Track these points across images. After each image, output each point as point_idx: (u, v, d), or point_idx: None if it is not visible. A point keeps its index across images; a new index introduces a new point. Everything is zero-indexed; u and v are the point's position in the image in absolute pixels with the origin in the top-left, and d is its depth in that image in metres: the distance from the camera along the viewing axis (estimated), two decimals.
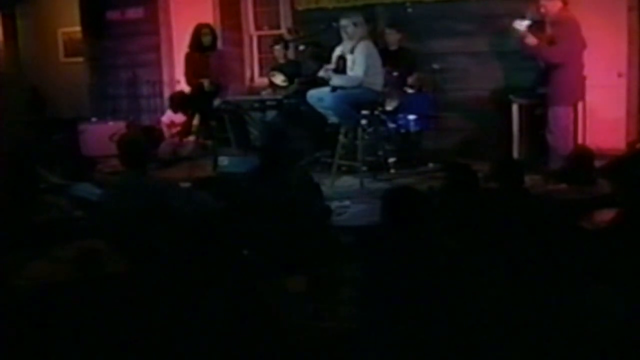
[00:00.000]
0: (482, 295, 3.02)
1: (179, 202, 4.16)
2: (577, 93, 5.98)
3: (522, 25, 5.80)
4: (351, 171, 6.31)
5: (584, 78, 6.02)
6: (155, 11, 8.97)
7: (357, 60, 6.11)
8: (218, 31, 7.94)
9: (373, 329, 2.87)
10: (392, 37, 7.05)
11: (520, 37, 5.84)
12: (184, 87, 8.01)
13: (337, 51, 6.29)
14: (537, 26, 5.94)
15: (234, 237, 3.83)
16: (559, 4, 5.79)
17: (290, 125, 6.79)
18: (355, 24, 6.15)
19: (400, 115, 6.69)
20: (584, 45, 5.91)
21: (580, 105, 6.15)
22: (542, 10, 5.88)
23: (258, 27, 8.74)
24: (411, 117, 6.72)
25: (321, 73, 6.28)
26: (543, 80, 6.01)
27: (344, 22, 6.18)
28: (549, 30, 5.88)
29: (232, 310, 3.01)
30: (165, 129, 8.02)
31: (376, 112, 6.32)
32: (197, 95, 7.37)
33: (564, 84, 5.81)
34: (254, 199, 4.36)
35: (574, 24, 5.82)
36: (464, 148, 7.10)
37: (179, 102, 7.75)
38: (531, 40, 5.78)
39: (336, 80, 6.12)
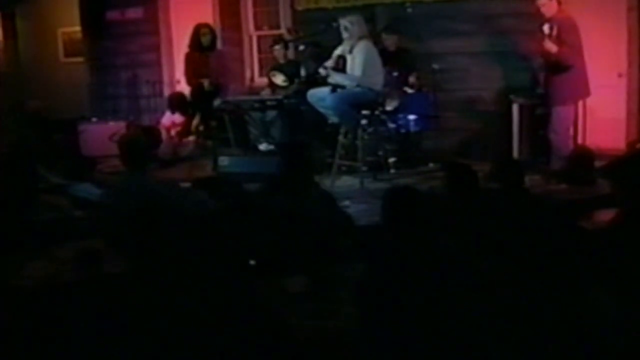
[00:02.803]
0: (481, 295, 3.02)
1: (179, 202, 4.16)
2: (581, 91, 5.98)
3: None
4: (351, 171, 6.31)
5: (586, 74, 6.02)
6: (155, 11, 8.97)
7: (356, 60, 6.12)
8: (218, 31, 7.94)
9: (373, 329, 2.87)
10: (390, 41, 7.05)
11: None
12: (184, 87, 8.02)
13: (338, 50, 6.30)
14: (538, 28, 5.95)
15: (239, 241, 3.83)
16: (555, 5, 5.79)
17: (290, 125, 6.79)
18: (353, 24, 6.16)
19: (400, 115, 6.69)
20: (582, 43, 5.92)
21: (580, 105, 6.15)
22: (543, 9, 5.88)
23: (258, 27, 8.73)
24: (411, 117, 6.72)
25: (320, 70, 6.29)
26: (544, 81, 6.01)
27: (342, 21, 6.19)
28: (552, 31, 5.85)
29: (231, 310, 3.01)
30: (164, 132, 7.99)
31: (376, 112, 6.32)
32: (197, 95, 7.38)
33: (569, 83, 5.80)
34: (270, 207, 4.35)
35: (572, 23, 5.83)
36: (464, 148, 7.10)
37: (177, 102, 7.75)
38: (552, 46, 5.72)
39: (335, 77, 6.13)
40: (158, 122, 8.37)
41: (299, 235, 4.02)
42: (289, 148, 5.71)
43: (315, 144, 6.54)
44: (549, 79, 5.94)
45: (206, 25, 7.57)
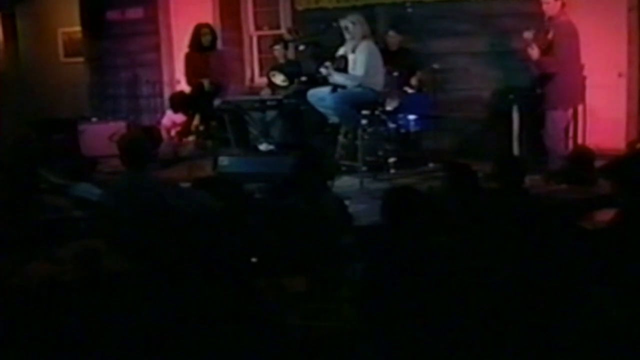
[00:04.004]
0: (481, 295, 3.02)
1: (179, 202, 4.15)
2: (575, 97, 5.98)
3: (530, 34, 5.77)
4: (351, 171, 6.31)
5: (583, 80, 6.01)
6: (155, 11, 8.97)
7: (358, 59, 6.11)
8: (218, 31, 7.94)
9: (373, 328, 2.87)
10: (394, 39, 7.06)
11: (524, 46, 5.82)
12: (184, 87, 8.02)
13: (340, 51, 6.30)
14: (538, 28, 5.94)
15: (239, 241, 3.83)
16: (559, 5, 5.77)
17: (290, 125, 6.79)
18: (354, 24, 6.16)
19: (401, 115, 6.69)
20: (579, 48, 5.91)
21: (580, 106, 6.15)
22: (544, 7, 5.87)
23: (258, 27, 8.74)
24: (411, 117, 6.72)
25: (321, 69, 6.28)
26: (540, 83, 6.00)
27: (344, 22, 6.19)
28: (549, 34, 5.84)
29: (232, 310, 3.01)
30: (164, 133, 7.99)
31: (376, 112, 6.32)
32: (197, 95, 7.38)
33: (561, 88, 5.79)
34: (276, 207, 4.37)
35: (571, 28, 5.80)
36: (464, 148, 7.10)
37: (179, 102, 7.75)
38: (534, 52, 5.74)
39: (336, 77, 6.13)
40: (158, 123, 8.38)
41: (308, 237, 4.02)
42: (302, 150, 5.73)
43: (325, 147, 6.55)
44: (542, 83, 5.94)
45: (206, 25, 7.57)
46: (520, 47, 6.05)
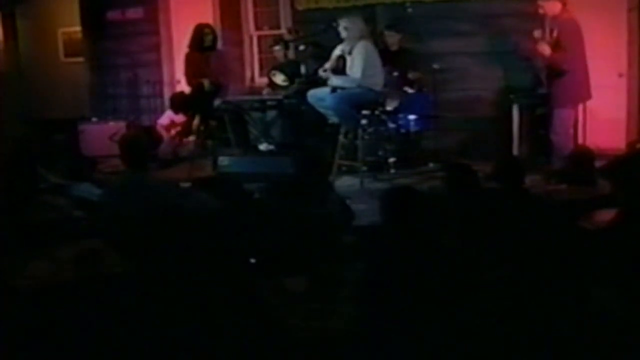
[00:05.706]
0: (482, 295, 3.02)
1: (179, 202, 4.15)
2: (581, 94, 5.98)
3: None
4: (351, 171, 6.31)
5: (587, 79, 6.01)
6: (155, 11, 8.97)
7: (355, 61, 6.12)
8: (218, 31, 7.94)
9: (373, 328, 2.87)
10: (392, 39, 7.07)
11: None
12: (184, 87, 8.02)
13: (337, 51, 6.30)
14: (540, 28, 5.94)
15: (239, 241, 3.83)
16: (559, 5, 5.78)
17: (290, 125, 6.80)
18: (352, 24, 6.17)
19: (400, 115, 6.69)
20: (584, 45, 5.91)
21: (580, 106, 6.15)
22: (541, 10, 5.87)
23: (258, 27, 8.74)
24: (411, 117, 6.72)
25: (320, 72, 6.29)
26: (547, 82, 5.99)
27: (342, 22, 6.20)
28: (545, 34, 5.84)
29: (231, 310, 3.01)
30: (163, 132, 7.98)
31: (376, 112, 6.32)
32: (197, 95, 7.38)
33: (570, 86, 5.79)
34: (277, 207, 4.37)
35: (575, 25, 5.81)
36: (464, 148, 7.10)
37: (179, 103, 7.75)
38: (546, 49, 5.73)
39: (334, 80, 6.14)
40: (155, 124, 8.38)
41: (308, 237, 4.02)
42: (303, 151, 5.72)
43: (324, 147, 6.56)
44: (549, 81, 5.93)
45: (208, 26, 7.59)
46: (526, 46, 6.03)
